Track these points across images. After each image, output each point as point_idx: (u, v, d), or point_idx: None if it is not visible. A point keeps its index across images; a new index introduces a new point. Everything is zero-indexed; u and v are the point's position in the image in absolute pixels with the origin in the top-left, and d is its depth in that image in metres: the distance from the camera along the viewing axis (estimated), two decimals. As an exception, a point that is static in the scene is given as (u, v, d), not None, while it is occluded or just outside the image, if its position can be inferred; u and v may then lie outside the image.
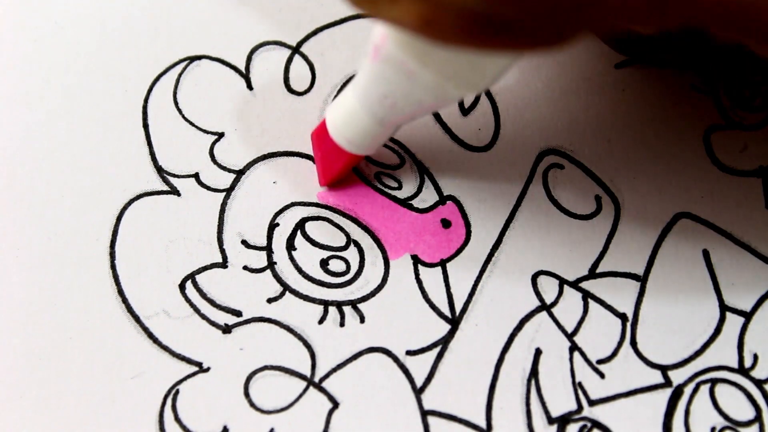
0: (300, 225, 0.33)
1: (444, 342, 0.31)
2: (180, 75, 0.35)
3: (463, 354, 0.31)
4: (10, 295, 0.32)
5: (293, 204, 0.33)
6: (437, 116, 0.35)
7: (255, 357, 0.31)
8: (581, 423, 0.30)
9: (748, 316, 0.32)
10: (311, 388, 0.31)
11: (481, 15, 0.22)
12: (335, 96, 0.34)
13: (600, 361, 0.31)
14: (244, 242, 0.33)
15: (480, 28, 0.22)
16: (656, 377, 0.31)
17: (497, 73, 0.27)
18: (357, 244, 0.33)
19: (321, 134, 0.32)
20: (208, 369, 0.31)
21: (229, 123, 0.34)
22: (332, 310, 0.32)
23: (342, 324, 0.32)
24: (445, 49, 0.25)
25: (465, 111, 0.35)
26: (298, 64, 0.35)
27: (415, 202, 0.34)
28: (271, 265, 0.32)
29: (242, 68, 0.35)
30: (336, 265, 0.32)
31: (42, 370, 0.31)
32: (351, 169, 0.33)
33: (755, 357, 0.31)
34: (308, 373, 0.31)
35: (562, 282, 0.32)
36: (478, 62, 0.26)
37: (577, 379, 0.31)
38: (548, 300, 0.32)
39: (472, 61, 0.26)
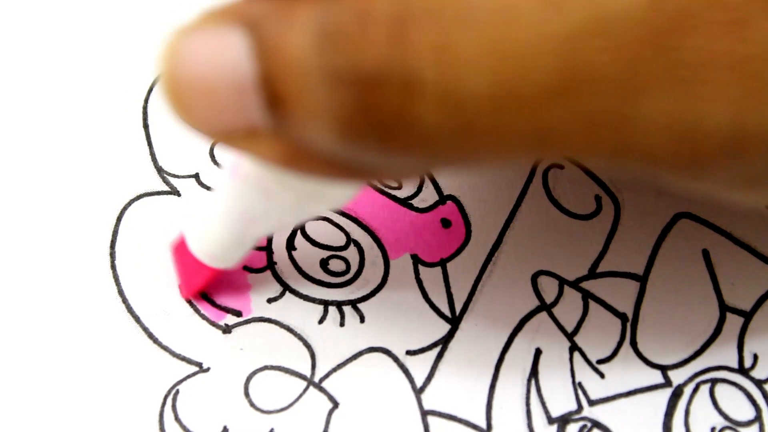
0: (300, 225, 0.33)
1: (444, 342, 0.31)
2: (180, 75, 0.35)
3: (463, 354, 0.31)
4: (10, 295, 0.32)
5: (293, 204, 0.33)
6: (437, 116, 0.35)
7: (255, 357, 0.31)
8: (581, 423, 0.30)
9: (748, 316, 0.32)
10: (311, 388, 0.31)
11: (345, 160, 0.22)
12: None
13: (600, 361, 0.31)
14: (244, 242, 0.33)
15: (343, 168, 0.22)
16: (656, 377, 0.31)
17: (358, 190, 0.27)
18: (357, 244, 0.33)
19: (181, 248, 0.30)
20: (208, 369, 0.31)
21: (229, 123, 0.34)
22: (332, 309, 0.32)
23: (342, 324, 0.32)
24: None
25: (465, 111, 0.35)
26: (298, 64, 0.35)
27: (415, 202, 0.34)
28: (271, 265, 0.32)
29: (242, 68, 0.35)
30: (336, 265, 0.32)
31: (42, 370, 0.31)
32: (215, 281, 0.32)
33: (755, 357, 0.31)
34: (308, 373, 0.31)
35: (562, 282, 0.32)
36: (338, 185, 0.26)
37: (577, 379, 0.31)
38: (548, 300, 0.32)
39: (331, 184, 0.26)
